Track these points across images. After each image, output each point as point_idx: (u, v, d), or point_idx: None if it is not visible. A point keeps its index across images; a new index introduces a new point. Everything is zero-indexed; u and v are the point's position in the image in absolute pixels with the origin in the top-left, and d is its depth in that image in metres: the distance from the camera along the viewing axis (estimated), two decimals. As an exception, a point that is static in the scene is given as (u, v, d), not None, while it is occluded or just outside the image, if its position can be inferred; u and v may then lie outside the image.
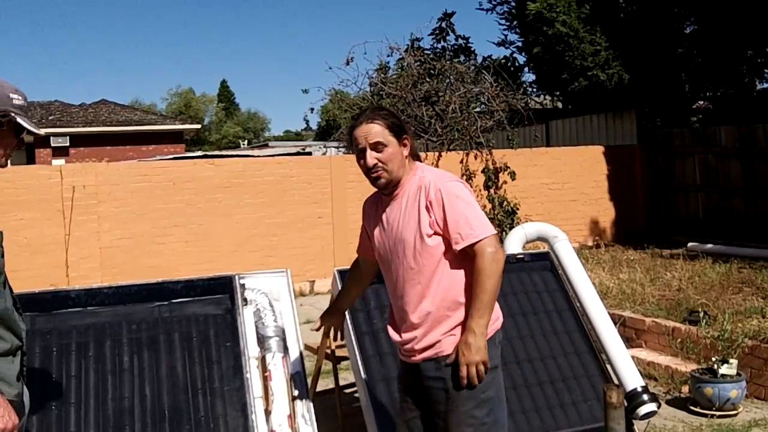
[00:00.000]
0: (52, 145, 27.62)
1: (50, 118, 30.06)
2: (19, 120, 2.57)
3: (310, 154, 16.84)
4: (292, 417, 3.91)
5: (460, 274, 3.01)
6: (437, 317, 3.02)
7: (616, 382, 4.66)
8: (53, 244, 10.37)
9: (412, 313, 3.07)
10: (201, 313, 4.24)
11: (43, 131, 2.90)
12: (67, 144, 27.75)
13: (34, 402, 3.71)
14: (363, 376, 4.39)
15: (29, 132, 2.67)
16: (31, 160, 28.19)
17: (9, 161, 2.75)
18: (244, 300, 4.31)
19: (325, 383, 6.15)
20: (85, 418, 3.73)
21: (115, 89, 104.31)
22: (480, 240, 2.89)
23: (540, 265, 5.18)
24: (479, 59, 16.94)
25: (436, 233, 2.98)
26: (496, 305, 3.04)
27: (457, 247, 2.93)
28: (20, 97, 2.62)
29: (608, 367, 4.78)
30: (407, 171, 3.13)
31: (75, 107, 32.20)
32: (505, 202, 12.24)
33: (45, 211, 10.37)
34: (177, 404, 3.85)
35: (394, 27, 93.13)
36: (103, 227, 10.63)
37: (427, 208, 2.99)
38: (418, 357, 3.09)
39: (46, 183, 10.40)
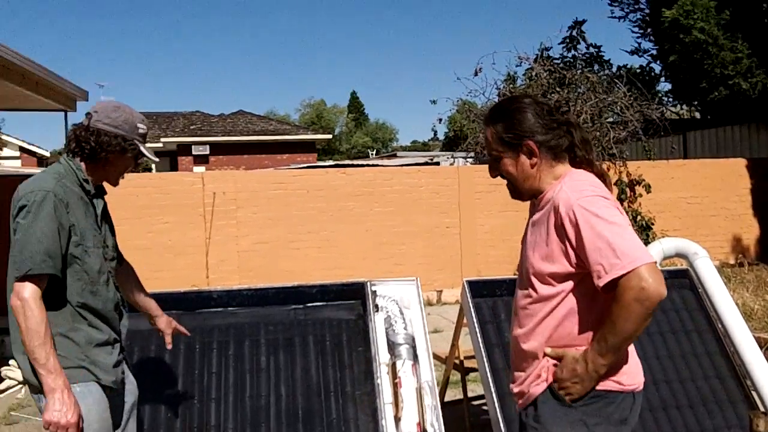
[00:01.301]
0: (194, 153, 28.93)
1: (192, 127, 31.52)
2: (141, 149, 2.91)
3: (438, 164, 16.90)
4: (421, 425, 3.92)
5: (590, 318, 2.41)
6: (545, 365, 2.48)
7: (762, 409, 4.42)
8: (194, 246, 10.89)
9: (518, 351, 2.59)
10: (334, 318, 4.34)
11: (158, 159, 3.18)
12: (207, 152, 28.98)
13: (178, 394, 3.92)
14: (492, 388, 4.35)
15: (145, 159, 3.00)
16: (174, 167, 29.66)
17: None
18: (376, 306, 4.37)
19: (452, 394, 6.15)
20: (225, 414, 3.89)
21: (252, 100, 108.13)
22: (628, 272, 2.21)
23: (679, 282, 4.98)
24: (614, 68, 16.54)
25: (564, 262, 2.39)
26: (636, 362, 2.48)
27: (600, 282, 2.25)
28: (144, 127, 2.95)
29: (754, 393, 4.54)
30: (547, 180, 2.54)
31: (215, 117, 33.61)
32: (639, 217, 11.88)
33: (188, 215, 10.92)
34: (310, 405, 3.95)
35: (523, 37, 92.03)
36: (241, 232, 11.08)
37: (556, 230, 2.40)
38: (519, 402, 2.60)
39: (189, 189, 10.96)
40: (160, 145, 30.73)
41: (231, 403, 3.94)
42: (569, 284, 2.39)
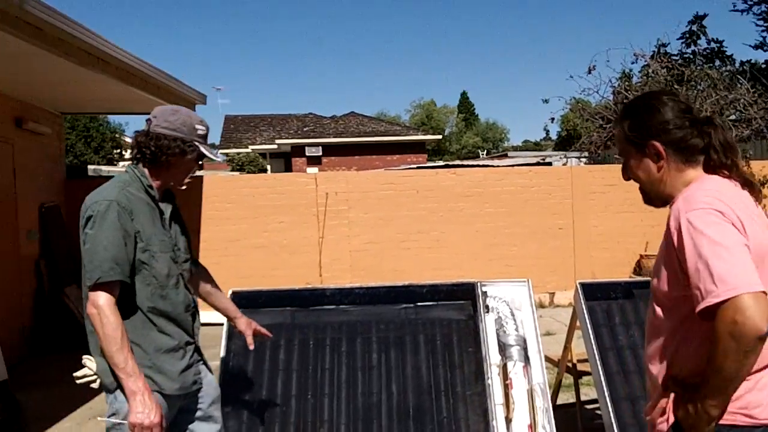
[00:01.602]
0: (307, 154, 29.54)
1: (305, 129, 32.20)
2: (201, 149, 2.95)
3: (550, 164, 16.66)
4: (532, 427, 3.90)
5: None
6: (667, 399, 2.24)
7: None
8: (308, 246, 11.16)
9: (647, 370, 2.37)
10: (444, 317, 4.37)
11: (220, 158, 3.23)
12: (320, 153, 29.53)
13: (292, 389, 4.04)
14: (606, 393, 4.27)
15: (211, 159, 3.06)
16: (288, 168, 30.39)
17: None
18: (486, 307, 4.37)
19: (564, 397, 6.07)
20: (337, 409, 3.99)
21: (363, 102, 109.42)
22: (724, 301, 1.92)
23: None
24: (736, 64, 15.86)
25: (678, 282, 2.13)
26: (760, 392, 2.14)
27: (697, 308, 1.99)
28: (204, 128, 2.99)
29: None
30: (676, 186, 2.29)
31: (327, 119, 34.23)
32: (765, 220, 11.34)
33: (302, 215, 11.20)
34: (421, 404, 3.99)
35: (639, 33, 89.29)
36: (353, 231, 11.26)
37: (670, 245, 2.15)
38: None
39: (303, 189, 11.23)
40: (275, 146, 31.55)
41: (344, 399, 4.03)
42: (687, 306, 2.08)
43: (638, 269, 11.63)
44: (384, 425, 3.92)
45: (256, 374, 4.15)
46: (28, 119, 9.16)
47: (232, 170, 29.28)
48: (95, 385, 2.86)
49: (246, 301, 4.37)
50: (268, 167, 31.61)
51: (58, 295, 9.28)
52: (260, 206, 11.17)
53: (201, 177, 11.53)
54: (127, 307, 2.80)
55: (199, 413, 3.08)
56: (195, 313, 3.08)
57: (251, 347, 3.55)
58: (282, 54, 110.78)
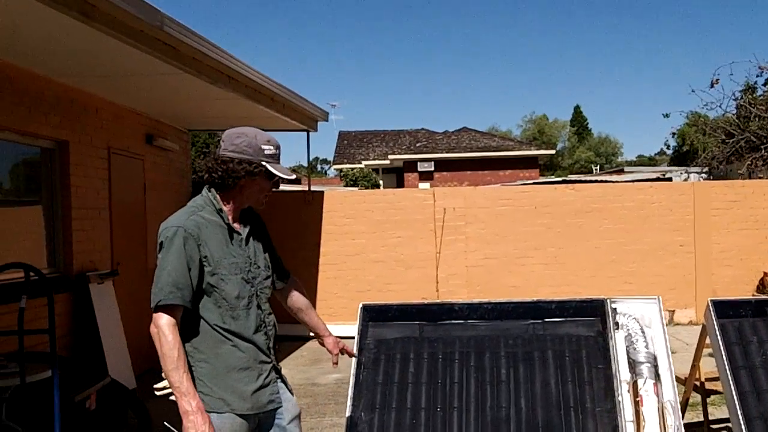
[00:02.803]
0: (419, 169, 29.72)
1: (417, 145, 32.42)
2: (269, 168, 2.97)
3: (670, 179, 16.20)
4: (664, 445, 3.83)
5: None
6: None
7: None
8: (425, 260, 11.25)
9: None
10: (573, 334, 4.33)
11: (294, 175, 3.22)
12: (432, 169, 29.66)
13: (422, 402, 4.09)
14: (739, 412, 4.15)
15: (282, 178, 3.05)
16: (400, 183, 30.67)
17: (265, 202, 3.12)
18: (616, 324, 4.31)
19: (689, 416, 5.93)
20: (467, 422, 4.00)
21: (475, 117, 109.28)
22: None
23: None
24: None
25: None
26: None
27: None
28: (272, 147, 3.00)
29: None
30: None
31: (439, 134, 34.37)
32: None
33: (419, 230, 11.31)
34: (550, 419, 3.96)
35: (764, 46, 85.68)
36: (470, 247, 11.29)
37: None
38: None
39: (420, 204, 11.35)
40: (387, 162, 31.90)
41: (473, 413, 4.04)
42: None
43: (762, 287, 11.17)
44: (513, 440, 3.91)
45: (385, 387, 4.22)
46: (158, 136, 9.62)
47: (345, 185, 29.77)
48: (174, 398, 2.96)
49: (376, 314, 4.46)
50: (381, 182, 31.98)
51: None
52: (378, 221, 11.35)
53: (322, 192, 11.82)
54: (201, 326, 2.92)
55: (277, 430, 3.11)
56: (269, 333, 3.11)
57: (335, 367, 3.61)
58: (395, 70, 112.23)
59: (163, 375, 2.96)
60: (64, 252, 7.35)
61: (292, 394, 3.22)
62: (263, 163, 2.97)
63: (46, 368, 5.14)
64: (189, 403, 2.75)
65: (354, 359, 4.15)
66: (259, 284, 3.08)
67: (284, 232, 10.50)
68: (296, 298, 3.48)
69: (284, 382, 3.20)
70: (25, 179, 7.20)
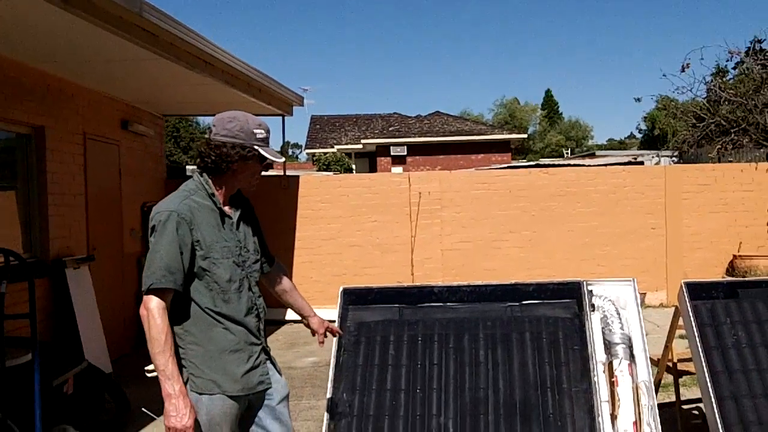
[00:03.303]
0: (392, 154, 29.75)
1: (390, 129, 32.43)
2: (262, 152, 3.02)
3: (641, 163, 16.39)
4: (637, 424, 3.93)
5: None
6: None
7: None
8: (401, 244, 11.33)
9: None
10: (550, 315, 4.42)
11: (282, 159, 3.27)
12: (405, 153, 29.69)
13: (401, 383, 4.17)
14: (711, 392, 4.27)
15: (270, 161, 3.10)
16: (373, 167, 30.68)
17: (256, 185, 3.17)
18: (592, 306, 4.40)
19: (661, 397, 6.07)
20: (446, 403, 4.08)
21: (448, 101, 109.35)
22: None
23: None
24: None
25: None
26: None
27: None
28: (263, 131, 3.05)
29: None
30: None
31: (412, 119, 34.38)
32: None
33: (395, 214, 11.38)
34: (527, 399, 4.05)
35: (734, 30, 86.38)
36: (445, 231, 11.37)
37: None
38: None
39: (396, 189, 11.41)
40: (360, 146, 31.88)
41: (452, 394, 4.12)
42: None
43: (731, 270, 11.39)
44: (491, 420, 3.99)
45: (366, 369, 4.28)
46: (133, 121, 9.58)
47: (318, 170, 29.73)
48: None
49: (356, 297, 4.51)
50: (353, 167, 31.98)
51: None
52: (354, 205, 11.40)
53: (297, 177, 11.83)
54: (193, 309, 2.95)
55: (267, 410, 3.17)
56: (260, 315, 3.16)
57: (321, 345, 3.63)
58: (367, 54, 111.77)
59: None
60: (41, 237, 7.32)
61: (280, 375, 3.27)
62: (256, 146, 3.00)
63: (25, 353, 5.15)
64: (172, 387, 2.78)
65: (335, 341, 4.21)
66: (249, 267, 3.12)
67: (260, 217, 10.37)
68: (281, 281, 3.52)
69: (273, 363, 3.25)
70: (0, 165, 7.15)
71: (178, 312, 2.93)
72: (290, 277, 3.62)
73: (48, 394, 5.29)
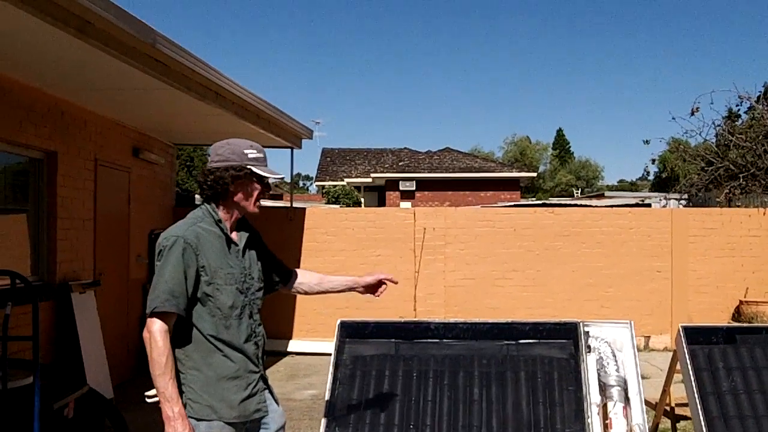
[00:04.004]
0: (401, 188, 29.88)
1: (400, 163, 32.61)
2: (254, 169, 3.07)
3: (649, 205, 16.42)
4: (631, 467, 3.94)
5: None
6: None
7: None
8: (404, 279, 11.32)
9: None
10: (546, 355, 4.44)
11: (281, 174, 3.28)
12: (414, 188, 29.82)
13: (395, 418, 4.19)
14: (706, 438, 4.27)
15: (268, 179, 3.14)
16: (381, 201, 30.78)
17: (258, 208, 3.19)
18: (588, 347, 4.42)
19: (659, 442, 6.04)
20: (439, 440, 4.10)
21: (458, 138, 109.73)
22: None
23: None
24: None
25: None
26: None
27: None
28: (255, 151, 3.11)
29: None
30: None
31: (422, 154, 34.58)
32: None
33: (399, 249, 11.43)
34: (521, 439, 4.07)
35: (745, 75, 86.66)
36: (449, 267, 11.41)
37: None
38: None
39: (401, 223, 11.48)
40: (370, 180, 32.02)
41: (445, 430, 4.14)
42: None
43: (737, 315, 11.35)
44: (484, 458, 4.00)
45: (360, 402, 4.31)
46: (144, 149, 9.70)
47: (327, 202, 29.85)
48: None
49: (353, 330, 4.55)
50: (362, 200, 32.09)
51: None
52: (359, 239, 11.46)
53: (304, 209, 11.92)
54: (194, 334, 3.00)
55: None
56: (259, 343, 3.20)
57: (379, 295, 3.66)
58: (379, 88, 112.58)
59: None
60: (48, 260, 7.40)
61: (278, 404, 3.32)
62: (248, 165, 3.06)
63: (27, 375, 5.20)
64: (171, 409, 2.83)
65: (330, 374, 4.24)
66: (252, 295, 3.16)
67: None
68: (309, 278, 3.56)
69: (271, 392, 3.29)
70: (12, 188, 7.26)
71: (180, 336, 2.98)
72: (313, 270, 3.64)
73: (48, 417, 5.33)
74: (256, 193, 3.13)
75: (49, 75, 6.50)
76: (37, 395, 5.01)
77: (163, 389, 2.84)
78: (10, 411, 5.11)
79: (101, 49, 5.36)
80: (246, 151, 3.07)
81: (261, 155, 3.12)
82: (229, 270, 3.05)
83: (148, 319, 2.89)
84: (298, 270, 3.57)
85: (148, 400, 3.10)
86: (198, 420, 2.96)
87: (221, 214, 3.10)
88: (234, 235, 3.15)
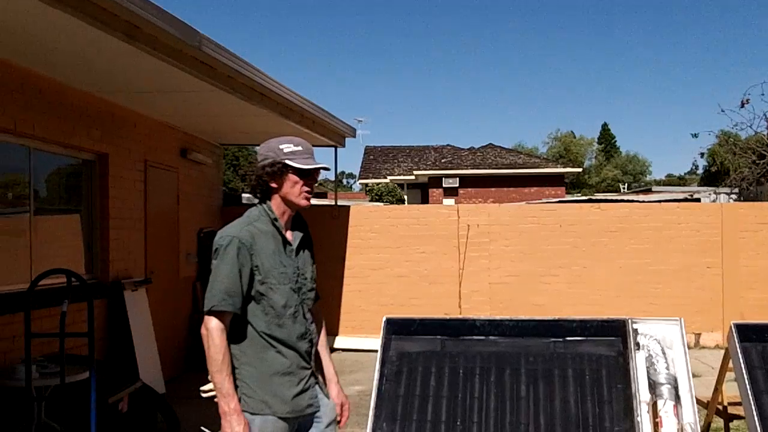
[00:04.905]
0: (443, 185, 29.80)
1: (443, 160, 32.53)
2: (289, 162, 3.09)
3: (698, 200, 16.17)
4: (682, 466, 3.89)
5: None
6: None
7: None
8: (448, 276, 11.35)
9: None
10: (593, 353, 4.40)
11: (323, 164, 3.25)
12: (457, 185, 29.71)
13: (442, 415, 4.20)
14: (760, 437, 4.19)
15: (303, 169, 3.10)
16: (425, 199, 30.76)
17: (310, 201, 3.20)
18: (637, 344, 4.38)
19: (712, 441, 5.96)
20: (486, 437, 4.10)
21: (501, 134, 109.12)
22: None
23: None
24: None
25: None
26: None
27: None
28: (292, 145, 3.13)
29: None
30: None
31: (465, 151, 34.42)
32: None
33: (442, 246, 11.43)
34: (568, 437, 4.05)
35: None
36: (493, 264, 11.38)
37: None
38: None
39: (445, 220, 11.48)
40: (413, 177, 32.01)
41: (492, 428, 4.13)
42: None
43: (791, 311, 11.12)
44: (532, 456, 3.99)
45: (406, 399, 4.32)
46: (191, 150, 9.86)
47: (371, 200, 29.94)
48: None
49: (399, 327, 4.55)
50: (406, 198, 32.12)
51: (211, 315, 9.88)
52: (403, 236, 11.49)
53: (348, 207, 11.99)
54: (248, 332, 3.06)
55: None
56: (311, 341, 3.26)
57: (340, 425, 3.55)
58: (422, 86, 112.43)
59: (209, 378, 3.09)
60: (101, 259, 7.59)
61: (329, 398, 3.37)
62: (285, 160, 3.09)
63: (83, 370, 5.34)
64: (228, 404, 2.91)
65: (377, 370, 4.26)
66: (304, 294, 3.21)
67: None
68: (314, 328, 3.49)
69: (321, 387, 3.34)
70: (67, 189, 7.47)
71: (235, 333, 3.05)
72: (324, 326, 3.56)
73: (103, 411, 5.47)
74: (299, 186, 3.14)
75: (99, 79, 6.65)
76: (93, 390, 5.14)
77: (220, 385, 2.92)
78: (68, 405, 5.26)
79: (148, 52, 5.47)
80: (281, 147, 3.12)
81: (299, 148, 3.14)
82: (282, 269, 3.10)
83: (206, 317, 2.96)
84: (319, 309, 3.49)
85: (203, 395, 3.18)
86: (252, 414, 3.02)
87: (275, 212, 3.15)
88: (288, 234, 3.20)
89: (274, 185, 3.12)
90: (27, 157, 6.51)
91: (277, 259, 3.10)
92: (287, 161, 3.10)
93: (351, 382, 8.89)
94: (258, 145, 3.35)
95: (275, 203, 3.16)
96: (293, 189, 3.14)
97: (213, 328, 2.94)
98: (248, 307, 3.06)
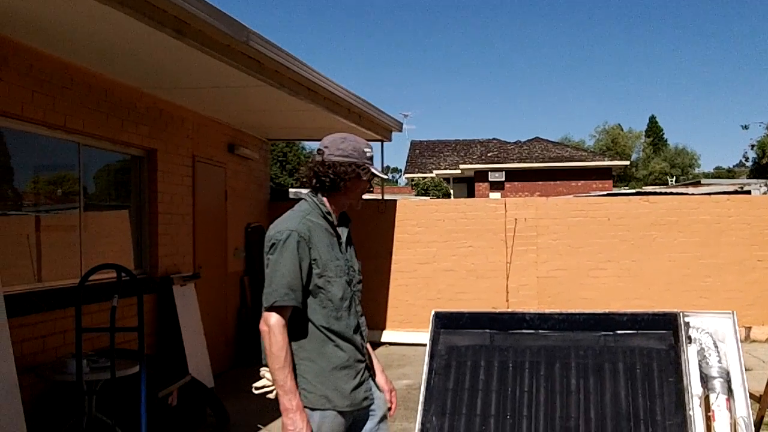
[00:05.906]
0: (490, 179, 29.68)
1: (489, 154, 32.37)
2: (372, 169, 3.13)
3: (748, 192, 15.83)
4: (735, 460, 3.83)
5: None
6: None
7: None
8: (495, 270, 11.30)
9: None
10: (644, 346, 4.35)
11: (387, 175, 3.36)
12: (503, 179, 29.57)
13: (491, 409, 4.19)
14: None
15: (378, 177, 3.21)
16: (471, 193, 30.64)
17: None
18: (688, 338, 4.31)
19: (767, 435, 5.85)
20: (536, 430, 4.08)
21: (547, 127, 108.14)
22: None
23: None
24: None
25: None
26: None
27: None
28: (370, 150, 3.18)
29: None
30: None
31: (511, 144, 34.25)
32: None
33: (489, 240, 11.38)
34: (619, 431, 4.01)
35: None
36: (541, 258, 11.29)
37: None
38: None
39: (492, 214, 11.42)
40: (458, 171, 31.92)
41: (542, 421, 4.10)
42: None
43: None
44: (582, 450, 3.96)
45: (456, 393, 4.32)
46: (239, 145, 9.95)
47: (417, 194, 29.91)
48: (272, 396, 3.06)
49: (448, 320, 4.56)
50: (452, 192, 32.03)
51: (258, 310, 9.96)
52: (449, 230, 11.46)
53: (394, 201, 12.00)
54: (306, 327, 3.04)
55: (369, 427, 3.24)
56: (364, 334, 3.24)
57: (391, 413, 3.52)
58: (467, 80, 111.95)
59: (260, 374, 3.12)
60: (150, 255, 7.70)
61: (381, 392, 3.36)
62: (367, 164, 3.13)
63: (133, 364, 5.42)
64: (290, 401, 2.90)
65: (426, 363, 4.26)
66: (355, 287, 3.22)
67: (357, 240, 10.63)
68: None
69: (373, 379, 3.34)
70: (116, 185, 7.59)
71: (293, 328, 3.02)
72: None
73: (153, 405, 5.54)
74: (362, 189, 3.22)
75: (147, 75, 6.74)
76: (143, 384, 5.21)
77: (282, 382, 2.91)
78: (119, 398, 5.34)
79: (197, 48, 5.52)
80: (365, 150, 3.15)
81: (373, 154, 3.21)
82: (336, 262, 3.10)
83: (266, 313, 2.94)
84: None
85: (255, 392, 3.19)
86: (312, 410, 3.01)
87: (328, 206, 3.16)
88: (338, 229, 3.21)
89: (349, 185, 3.13)
90: (76, 153, 6.61)
91: (331, 253, 3.10)
92: (371, 169, 3.15)
93: (399, 376, 8.91)
94: (304, 140, 3.38)
95: (331, 199, 3.16)
96: (358, 192, 3.20)
97: (274, 325, 2.92)
98: (306, 301, 3.05)
